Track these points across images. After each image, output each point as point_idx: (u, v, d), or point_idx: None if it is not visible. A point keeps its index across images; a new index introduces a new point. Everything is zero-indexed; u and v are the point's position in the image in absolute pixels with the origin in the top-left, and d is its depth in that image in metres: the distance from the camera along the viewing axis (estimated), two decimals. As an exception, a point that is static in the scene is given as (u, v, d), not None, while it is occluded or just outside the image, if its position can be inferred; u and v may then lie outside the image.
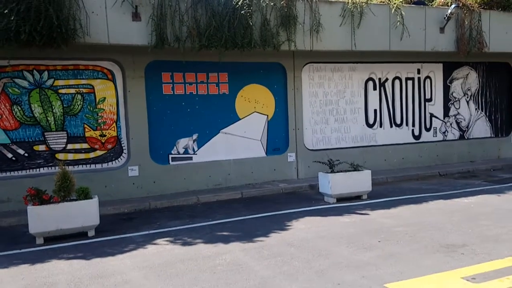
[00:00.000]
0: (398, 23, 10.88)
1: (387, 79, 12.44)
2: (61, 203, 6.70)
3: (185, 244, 6.18)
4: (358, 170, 8.93)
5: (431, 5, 11.97)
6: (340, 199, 8.70)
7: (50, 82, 9.05)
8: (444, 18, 11.41)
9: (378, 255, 5.26)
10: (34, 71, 8.91)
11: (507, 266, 4.68)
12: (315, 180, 9.85)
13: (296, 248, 5.70)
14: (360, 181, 8.86)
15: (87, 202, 6.89)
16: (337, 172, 8.82)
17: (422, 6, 11.55)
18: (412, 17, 11.20)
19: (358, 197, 8.87)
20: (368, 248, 5.55)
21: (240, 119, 10.73)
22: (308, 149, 11.47)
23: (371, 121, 12.32)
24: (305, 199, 9.09)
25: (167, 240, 6.42)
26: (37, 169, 9.02)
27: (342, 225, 6.84)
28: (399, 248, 5.46)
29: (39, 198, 6.65)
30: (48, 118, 9.06)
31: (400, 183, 10.82)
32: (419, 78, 12.86)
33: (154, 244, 6.29)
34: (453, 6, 11.21)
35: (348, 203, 8.46)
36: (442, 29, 11.62)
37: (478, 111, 13.84)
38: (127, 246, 6.26)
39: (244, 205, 8.86)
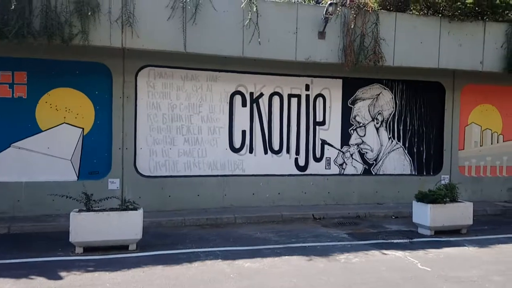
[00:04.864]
0: (249, 22, 8.46)
1: (262, 94, 9.93)
2: None
3: None
4: (129, 210, 6.50)
5: (307, 2, 9.51)
6: (93, 249, 6.26)
7: None
8: (322, 19, 8.91)
9: None
10: None
11: None
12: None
13: None
14: (125, 225, 6.39)
15: None
16: (94, 211, 6.41)
17: (294, 1, 9.12)
18: (277, 15, 8.75)
19: (125, 248, 6.41)
20: None
21: (42, 131, 8.48)
22: (143, 175, 9.08)
23: (237, 144, 9.80)
24: (64, 245, 6.56)
25: None
26: None
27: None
28: None
29: None
30: None
31: (244, 226, 8.27)
32: (307, 96, 10.26)
33: None
34: (328, 2, 8.67)
35: (93, 256, 6.05)
36: (321, 34, 9.09)
37: (392, 141, 11.04)
38: None
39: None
